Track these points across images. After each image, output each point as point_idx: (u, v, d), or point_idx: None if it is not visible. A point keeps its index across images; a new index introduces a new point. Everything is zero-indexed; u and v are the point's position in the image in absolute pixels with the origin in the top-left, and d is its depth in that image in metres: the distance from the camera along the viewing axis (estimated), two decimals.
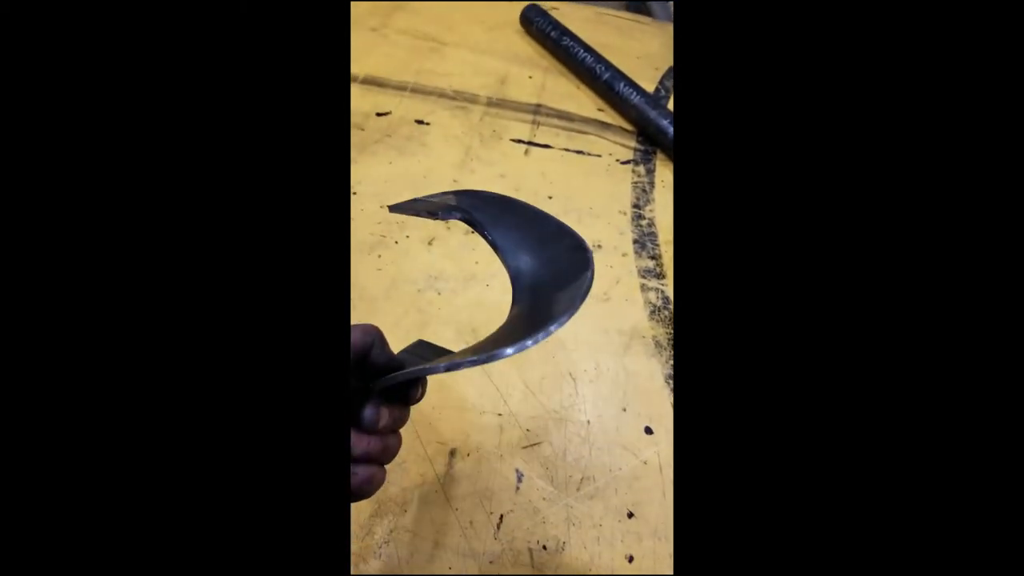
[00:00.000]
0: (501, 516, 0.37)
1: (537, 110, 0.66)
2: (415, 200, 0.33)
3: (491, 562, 0.36)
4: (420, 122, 0.63)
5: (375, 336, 0.26)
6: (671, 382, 0.44)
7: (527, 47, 0.75)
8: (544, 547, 0.36)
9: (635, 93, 0.64)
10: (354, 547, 0.36)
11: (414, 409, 0.42)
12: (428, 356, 0.29)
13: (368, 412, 0.25)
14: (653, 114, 0.62)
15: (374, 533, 0.36)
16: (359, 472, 0.25)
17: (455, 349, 0.29)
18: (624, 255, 0.52)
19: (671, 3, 0.97)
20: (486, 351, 0.22)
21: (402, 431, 0.33)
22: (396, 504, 0.38)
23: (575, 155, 0.61)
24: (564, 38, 0.70)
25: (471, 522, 0.37)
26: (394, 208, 0.32)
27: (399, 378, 0.25)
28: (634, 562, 0.36)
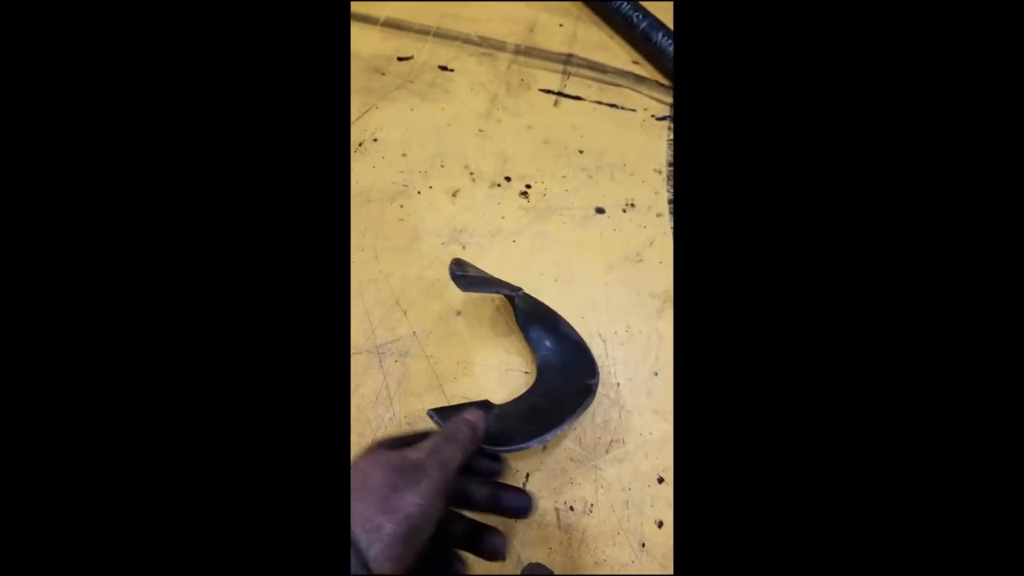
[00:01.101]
0: (527, 474, 0.36)
1: (568, 60, 0.62)
2: (481, 276, 0.37)
3: (516, 520, 0.34)
4: (444, 68, 0.60)
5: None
6: None
7: None
8: (571, 507, 0.35)
9: (673, 45, 0.60)
10: None
11: (438, 366, 0.41)
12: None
13: (523, 500, 0.29)
14: None
15: None
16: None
17: (479, 306, 0.37)
18: (659, 215, 0.50)
19: None
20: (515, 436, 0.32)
21: (424, 383, 0.40)
22: None
23: (608, 108, 0.58)
24: None
25: None
26: (463, 286, 0.35)
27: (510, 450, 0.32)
28: (663, 528, 0.35)
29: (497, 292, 0.35)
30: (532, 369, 0.40)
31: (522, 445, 0.31)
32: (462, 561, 0.27)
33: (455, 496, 0.27)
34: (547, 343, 0.39)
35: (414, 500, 0.22)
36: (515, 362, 0.41)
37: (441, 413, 0.33)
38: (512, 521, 0.34)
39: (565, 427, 0.33)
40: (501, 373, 0.40)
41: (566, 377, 0.38)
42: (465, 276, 0.36)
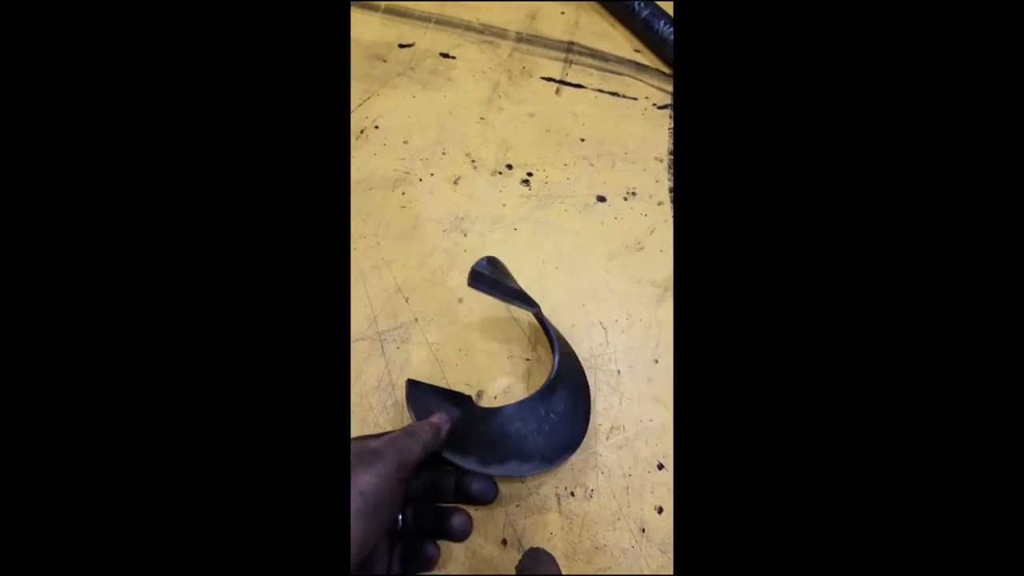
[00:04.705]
0: None
1: (570, 48, 0.61)
2: (497, 281, 0.35)
3: (517, 505, 0.35)
4: (445, 55, 0.59)
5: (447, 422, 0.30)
6: None
7: None
8: (572, 493, 0.35)
9: (673, 34, 0.59)
10: None
11: (439, 353, 0.40)
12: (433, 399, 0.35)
13: (486, 487, 0.30)
14: None
15: None
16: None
17: (480, 294, 0.35)
18: (660, 204, 0.50)
19: None
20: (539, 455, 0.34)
21: (425, 369, 0.40)
22: None
23: (609, 97, 0.57)
24: None
25: None
26: (475, 284, 0.34)
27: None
28: (663, 514, 0.35)
29: (512, 303, 0.35)
30: (533, 356, 0.40)
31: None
32: (436, 546, 0.29)
33: (425, 489, 0.30)
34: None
35: (368, 479, 0.24)
36: (516, 349, 0.41)
37: (417, 387, 0.34)
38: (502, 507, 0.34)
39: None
40: (503, 359, 0.40)
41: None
42: (482, 278, 0.34)
